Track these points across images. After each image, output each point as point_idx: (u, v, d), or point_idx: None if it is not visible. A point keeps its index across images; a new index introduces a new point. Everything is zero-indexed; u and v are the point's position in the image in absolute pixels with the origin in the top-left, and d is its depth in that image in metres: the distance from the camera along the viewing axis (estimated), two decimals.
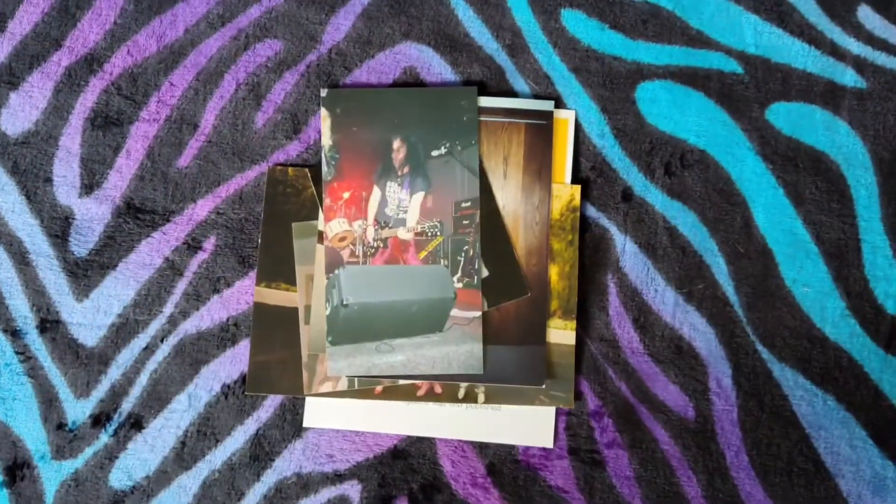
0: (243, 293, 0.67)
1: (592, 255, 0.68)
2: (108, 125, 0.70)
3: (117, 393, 0.66)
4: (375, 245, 0.67)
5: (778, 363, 0.66)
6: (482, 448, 0.66)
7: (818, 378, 0.66)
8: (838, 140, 0.68)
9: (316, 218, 0.68)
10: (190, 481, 0.65)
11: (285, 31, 0.71)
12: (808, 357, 0.66)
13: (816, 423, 0.65)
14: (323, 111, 0.68)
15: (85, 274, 0.68)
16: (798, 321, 0.66)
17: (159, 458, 0.66)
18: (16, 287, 0.68)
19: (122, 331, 0.67)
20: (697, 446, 0.65)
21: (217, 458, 0.66)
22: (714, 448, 0.65)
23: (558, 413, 0.66)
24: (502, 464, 0.65)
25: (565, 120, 0.69)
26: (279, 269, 0.67)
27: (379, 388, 0.66)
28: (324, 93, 0.69)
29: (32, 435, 0.66)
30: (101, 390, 0.66)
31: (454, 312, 0.66)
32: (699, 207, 0.68)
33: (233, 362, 0.67)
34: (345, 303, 0.66)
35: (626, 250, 0.68)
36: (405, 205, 0.67)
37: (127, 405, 0.66)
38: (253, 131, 0.70)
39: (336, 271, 0.66)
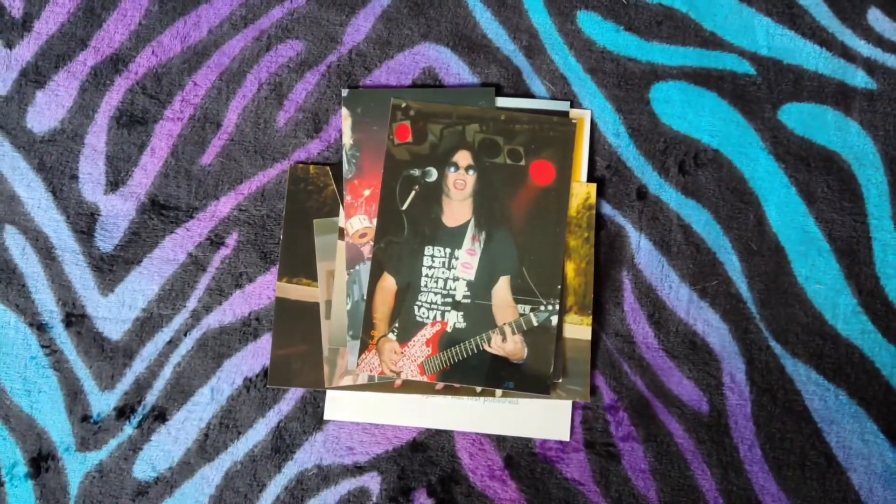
0: (265, 288, 0.69)
1: (608, 252, 0.69)
2: (133, 123, 0.71)
3: (141, 386, 0.68)
4: None
5: (791, 359, 0.67)
6: (500, 441, 0.67)
7: (830, 373, 0.67)
8: (849, 140, 0.70)
9: (337, 215, 0.69)
10: (213, 473, 0.67)
11: (306, 32, 0.72)
12: (821, 353, 0.67)
13: (828, 417, 0.66)
14: (344, 111, 0.70)
15: (110, 269, 0.69)
16: (810, 317, 0.68)
17: (182, 449, 0.67)
18: (42, 282, 0.69)
19: (147, 325, 0.68)
20: (711, 440, 0.66)
21: (239, 449, 0.67)
22: (728, 442, 0.66)
23: (574, 407, 0.67)
24: (519, 456, 0.66)
25: (581, 120, 0.70)
26: (300, 265, 0.68)
27: (398, 382, 0.67)
28: (345, 93, 0.70)
29: (57, 427, 0.68)
30: (125, 383, 0.68)
31: None
32: (713, 206, 0.69)
33: (255, 356, 0.68)
34: (365, 298, 0.67)
35: (641, 247, 0.69)
36: None
37: (151, 398, 0.68)
38: (275, 130, 0.71)
39: (356, 267, 0.68)
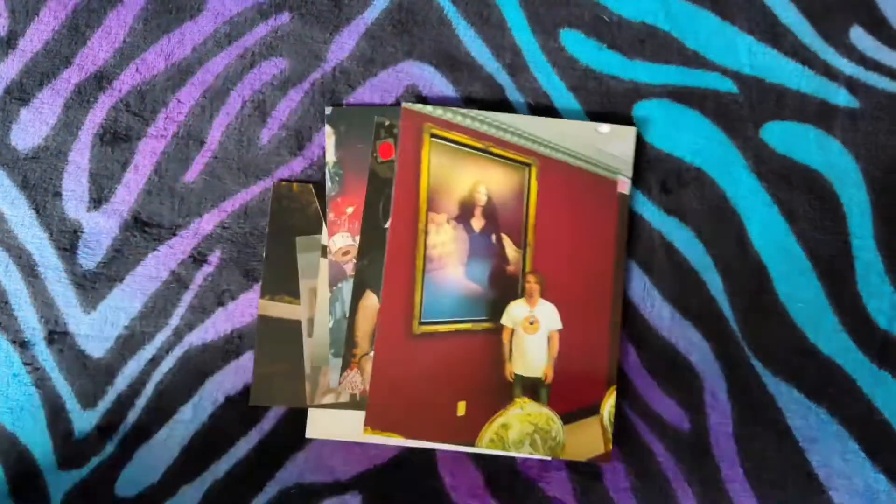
0: (248, 306, 0.69)
1: None
2: (117, 141, 0.71)
3: (123, 404, 0.68)
4: None
5: (772, 377, 0.67)
6: (481, 459, 0.67)
7: (812, 392, 0.67)
8: (831, 159, 0.70)
9: (319, 232, 0.69)
10: (194, 491, 0.67)
11: (290, 50, 0.72)
12: (802, 371, 0.67)
13: (810, 436, 0.67)
14: (328, 128, 0.70)
15: (93, 286, 0.69)
16: (792, 336, 0.68)
17: (164, 468, 0.67)
18: (24, 299, 0.69)
19: (129, 342, 0.69)
20: (693, 459, 0.66)
21: (220, 468, 0.67)
22: (709, 460, 0.66)
23: None
24: (500, 475, 0.67)
25: None
26: (283, 283, 0.68)
27: None
28: (329, 111, 0.70)
29: (39, 445, 0.68)
30: (107, 401, 0.68)
31: None
32: (695, 224, 0.69)
33: (237, 374, 0.68)
34: (347, 316, 0.67)
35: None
36: None
37: (133, 416, 0.68)
38: (258, 147, 0.71)
39: (339, 285, 0.68)
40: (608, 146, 0.66)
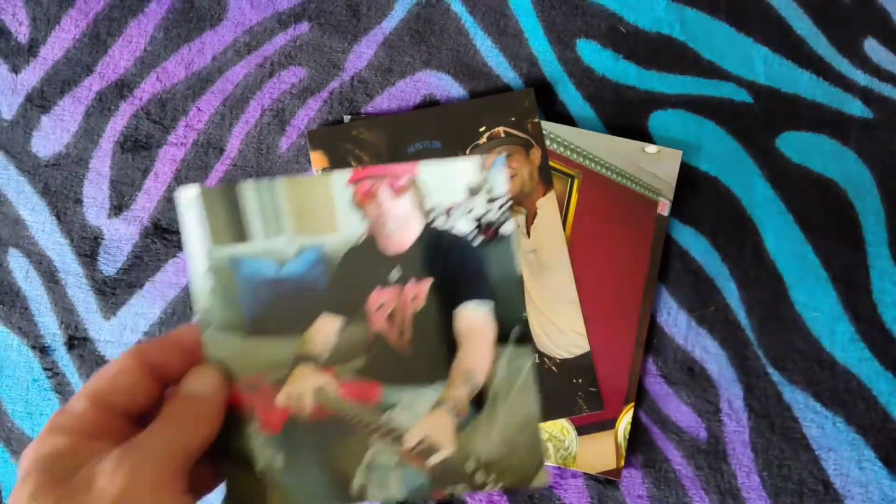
0: None
1: None
2: (137, 148, 0.72)
3: None
4: None
5: (788, 386, 0.67)
6: None
7: (828, 401, 0.67)
8: (846, 168, 0.70)
9: None
10: (212, 497, 0.67)
11: (309, 59, 0.73)
12: (818, 380, 0.68)
13: (826, 444, 0.67)
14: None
15: (113, 292, 0.70)
16: (808, 345, 0.68)
17: None
18: (45, 304, 0.70)
19: None
20: (709, 467, 0.67)
21: None
22: (726, 469, 0.67)
23: None
24: None
25: None
26: None
27: None
28: (347, 119, 0.71)
29: None
30: None
31: None
32: (711, 233, 0.70)
33: None
34: None
35: None
36: None
37: None
38: (277, 155, 0.72)
39: None
40: (653, 166, 0.67)
